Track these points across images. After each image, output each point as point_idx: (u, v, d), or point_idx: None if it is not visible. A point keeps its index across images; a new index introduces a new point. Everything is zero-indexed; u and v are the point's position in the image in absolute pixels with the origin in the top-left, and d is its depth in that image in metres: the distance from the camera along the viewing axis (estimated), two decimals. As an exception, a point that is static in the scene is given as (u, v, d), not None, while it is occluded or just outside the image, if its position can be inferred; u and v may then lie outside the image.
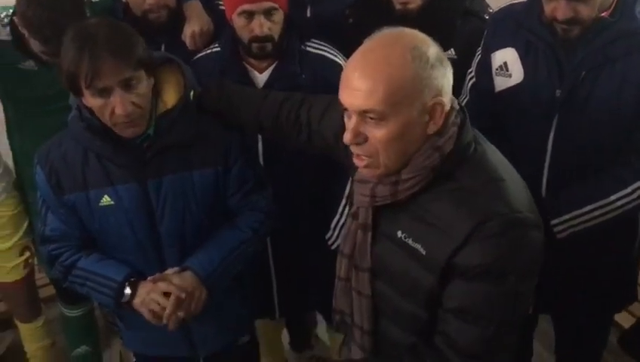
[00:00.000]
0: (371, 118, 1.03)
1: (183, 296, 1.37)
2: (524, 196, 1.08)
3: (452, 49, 1.75)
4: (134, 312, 1.41)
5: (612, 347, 2.21)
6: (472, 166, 1.07)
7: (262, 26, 1.61)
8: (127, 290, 1.39)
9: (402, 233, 1.10)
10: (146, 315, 1.39)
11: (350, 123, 1.05)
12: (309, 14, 2.03)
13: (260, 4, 1.60)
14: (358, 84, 1.02)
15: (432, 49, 1.03)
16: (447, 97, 1.05)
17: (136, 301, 1.39)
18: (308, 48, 1.73)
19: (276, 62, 1.70)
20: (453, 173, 1.06)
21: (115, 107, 1.26)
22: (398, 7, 1.77)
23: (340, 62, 1.70)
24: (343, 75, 1.05)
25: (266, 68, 1.71)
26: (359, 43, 1.07)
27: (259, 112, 1.45)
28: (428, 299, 1.09)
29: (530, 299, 1.10)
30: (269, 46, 1.65)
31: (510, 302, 1.05)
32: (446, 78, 1.04)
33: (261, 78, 1.71)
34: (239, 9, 1.62)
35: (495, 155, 1.11)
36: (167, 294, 1.37)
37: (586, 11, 1.40)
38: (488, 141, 1.13)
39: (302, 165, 1.71)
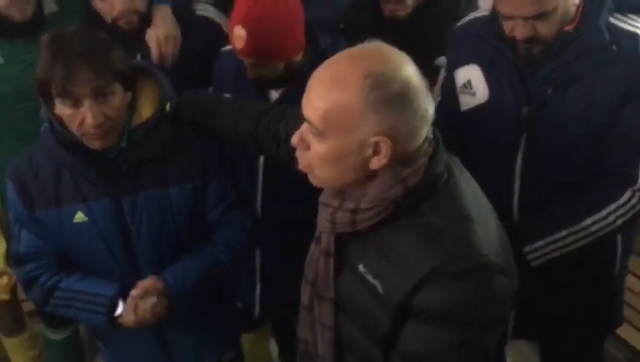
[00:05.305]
0: (312, 131, 0.97)
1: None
2: (493, 237, 1.00)
3: (444, 57, 1.69)
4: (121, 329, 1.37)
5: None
6: (440, 200, 0.98)
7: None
8: (121, 306, 1.35)
9: (363, 267, 1.02)
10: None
11: (302, 127, 1.01)
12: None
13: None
14: (311, 92, 0.97)
15: (397, 85, 0.92)
16: (404, 138, 0.95)
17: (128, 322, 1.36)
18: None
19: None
20: (419, 206, 0.97)
21: (85, 117, 1.22)
22: (387, 13, 1.72)
23: None
24: (311, 76, 0.99)
25: None
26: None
27: (236, 123, 1.39)
28: (382, 339, 1.02)
29: (492, 350, 1.02)
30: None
31: (468, 350, 0.97)
32: (402, 119, 0.93)
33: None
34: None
35: (468, 187, 1.03)
36: None
37: (545, 29, 1.32)
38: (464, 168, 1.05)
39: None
